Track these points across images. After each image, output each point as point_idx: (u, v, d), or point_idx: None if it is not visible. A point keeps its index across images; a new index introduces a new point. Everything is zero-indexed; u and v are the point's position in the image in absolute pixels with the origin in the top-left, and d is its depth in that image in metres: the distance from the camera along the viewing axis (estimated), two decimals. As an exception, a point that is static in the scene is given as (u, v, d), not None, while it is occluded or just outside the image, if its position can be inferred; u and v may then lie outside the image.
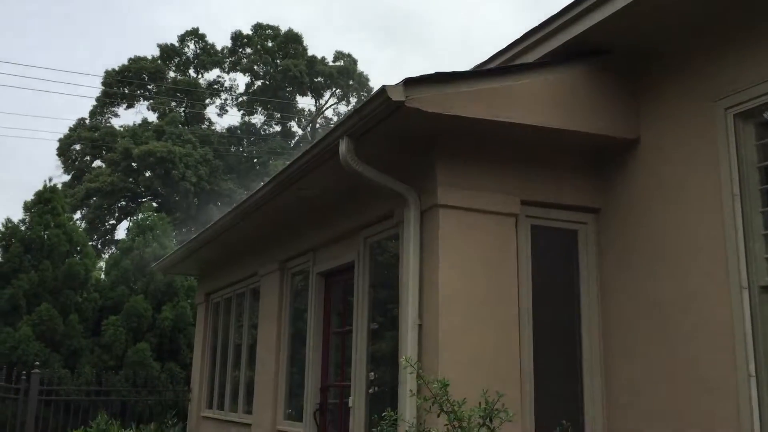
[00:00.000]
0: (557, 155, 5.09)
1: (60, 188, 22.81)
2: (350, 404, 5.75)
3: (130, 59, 39.43)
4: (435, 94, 4.34)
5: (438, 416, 3.57)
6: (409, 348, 4.69)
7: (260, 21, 43.04)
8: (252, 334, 8.68)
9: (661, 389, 4.49)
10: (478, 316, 4.70)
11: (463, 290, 4.69)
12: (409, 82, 4.23)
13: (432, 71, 4.36)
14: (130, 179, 36.37)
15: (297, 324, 7.46)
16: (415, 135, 4.80)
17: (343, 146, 4.72)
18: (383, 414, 3.74)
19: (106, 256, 31.58)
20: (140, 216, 23.48)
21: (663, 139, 4.71)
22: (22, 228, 19.44)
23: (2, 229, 19.32)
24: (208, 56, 41.93)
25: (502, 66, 4.95)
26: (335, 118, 44.59)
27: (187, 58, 42.00)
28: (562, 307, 5.10)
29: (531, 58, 4.92)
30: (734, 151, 4.22)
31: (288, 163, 5.82)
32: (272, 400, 7.44)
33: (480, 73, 4.55)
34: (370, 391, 5.63)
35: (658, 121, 4.76)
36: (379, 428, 3.83)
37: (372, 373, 5.67)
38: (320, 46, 57.23)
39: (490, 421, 3.44)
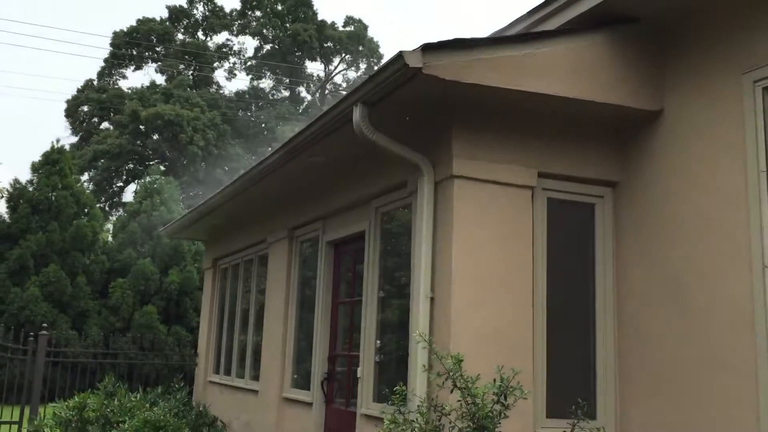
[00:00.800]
0: (577, 126, 4.95)
1: (68, 150, 22.74)
2: (359, 374, 5.71)
3: (138, 20, 38.99)
4: (453, 61, 4.19)
5: (451, 392, 3.51)
6: (420, 321, 4.61)
7: (270, -16, 42.28)
8: (260, 301, 8.65)
9: (676, 368, 4.41)
10: (491, 290, 4.61)
11: (477, 263, 4.59)
12: (427, 48, 4.08)
13: (450, 38, 4.21)
14: (138, 142, 36.25)
15: (305, 292, 7.41)
16: (431, 104, 4.67)
17: (356, 114, 4.59)
18: (395, 388, 3.68)
19: (114, 218, 31.68)
20: (148, 179, 23.45)
21: (687, 111, 4.56)
22: (30, 189, 19.44)
23: (10, 190, 19.33)
24: (217, 19, 41.41)
25: (523, 33, 4.77)
26: (344, 84, 44.18)
27: (196, 20, 41.48)
28: (577, 282, 5.01)
29: (553, 25, 4.75)
30: (762, 126, 4.08)
31: (299, 130, 5.69)
32: (280, 368, 7.42)
33: (500, 40, 4.39)
34: (377, 359, 5.59)
35: (683, 93, 4.60)
36: (390, 402, 3.77)
37: (378, 341, 5.62)
38: (330, 10, 56.37)
39: (504, 398, 3.37)
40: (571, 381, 4.86)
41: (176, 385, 9.48)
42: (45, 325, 11.02)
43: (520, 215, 4.78)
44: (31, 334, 9.81)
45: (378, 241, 5.78)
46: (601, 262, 4.99)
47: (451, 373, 3.45)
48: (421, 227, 4.75)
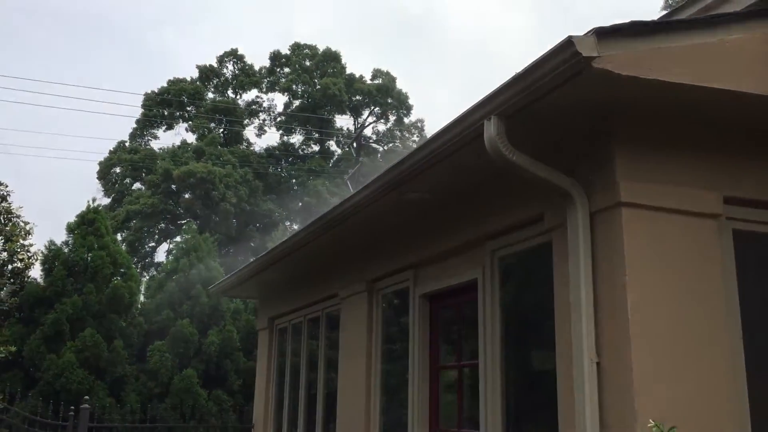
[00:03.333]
0: None
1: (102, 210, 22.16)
2: (481, 460, 4.57)
3: (169, 81, 39.21)
4: (630, 51, 3.21)
5: None
6: (587, 392, 3.52)
7: (298, 41, 42.63)
8: (330, 366, 7.55)
9: None
10: (678, 350, 3.52)
11: (657, 317, 3.52)
12: (602, 34, 3.11)
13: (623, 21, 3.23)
14: (170, 201, 35.90)
15: (392, 356, 6.32)
16: (585, 111, 3.67)
17: (490, 129, 3.61)
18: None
19: (146, 278, 30.96)
20: (185, 237, 22.74)
21: None
22: (65, 250, 18.74)
23: (45, 252, 18.62)
24: (247, 77, 41.56)
25: (706, 17, 3.78)
26: (374, 137, 43.75)
27: (226, 79, 41.67)
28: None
29: (733, 7, 3.77)
30: None
31: (400, 158, 4.71)
32: (363, 447, 6.28)
33: (685, 24, 3.41)
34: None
35: None
36: None
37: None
38: (358, 63, 56.71)
39: None
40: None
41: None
42: (87, 398, 10.03)
43: (704, 252, 3.71)
44: (72, 408, 8.79)
45: (497, 292, 4.72)
46: (807, 310, 3.87)
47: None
48: (578, 271, 3.70)
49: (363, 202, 5.34)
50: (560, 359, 3.93)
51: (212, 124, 39.24)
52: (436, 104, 54.28)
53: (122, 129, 52.66)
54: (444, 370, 5.53)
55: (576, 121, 3.78)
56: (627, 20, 3.24)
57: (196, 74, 40.27)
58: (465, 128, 3.87)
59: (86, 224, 19.16)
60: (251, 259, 8.34)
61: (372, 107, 43.20)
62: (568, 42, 3.06)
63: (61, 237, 29.85)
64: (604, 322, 3.60)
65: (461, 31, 58.45)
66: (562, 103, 3.54)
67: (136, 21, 55.85)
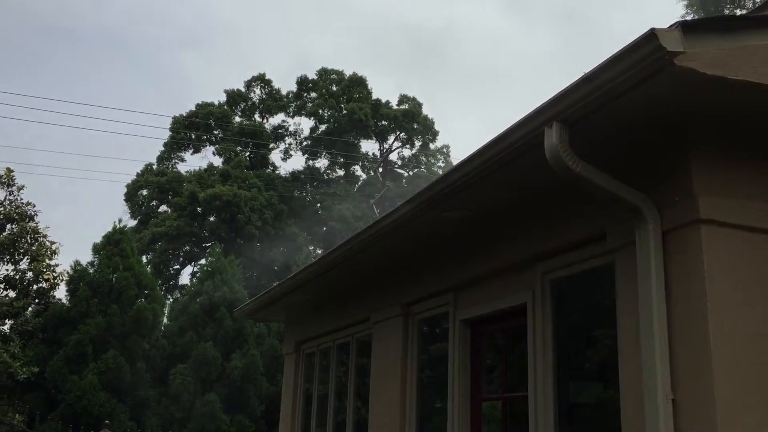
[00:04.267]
0: None
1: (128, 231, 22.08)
2: (532, 504, 4.16)
3: (197, 105, 39.46)
4: (717, 48, 2.86)
5: None
6: (662, 434, 3.12)
7: (315, 62, 42.74)
8: (360, 394, 7.17)
9: None
10: (764, 387, 3.11)
11: (742, 347, 3.12)
12: (688, 28, 2.77)
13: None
14: (195, 224, 35.90)
15: (429, 386, 5.93)
16: (661, 116, 3.31)
17: (553, 136, 3.27)
18: None
19: (170, 300, 30.87)
20: (210, 259, 22.59)
21: None
22: (91, 271, 18.65)
23: (71, 272, 18.54)
24: (274, 101, 41.74)
25: None
26: (400, 162, 43.59)
27: (253, 103, 41.86)
28: None
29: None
30: None
31: (442, 174, 4.38)
32: (397, 483, 5.87)
33: (775, 19, 3.07)
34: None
35: None
36: None
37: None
38: (376, 83, 56.78)
39: None
40: None
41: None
42: (107, 422, 9.74)
43: (790, 276, 3.30)
44: (91, 433, 8.48)
45: (549, 317, 4.33)
46: None
47: None
48: (648, 297, 3.31)
49: (401, 220, 5.00)
50: (625, 395, 3.53)
51: (238, 148, 39.33)
52: (454, 124, 54.30)
53: (150, 151, 53.15)
54: (486, 401, 5.13)
55: (648, 128, 3.42)
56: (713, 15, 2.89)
57: (222, 98, 40.52)
58: (522, 136, 3.53)
59: (112, 245, 19.10)
60: (275, 283, 8.03)
61: (398, 132, 43.08)
62: (651, 35, 2.72)
63: (87, 257, 29.87)
64: (681, 354, 3.21)
65: (479, 54, 58.41)
66: (634, 108, 3.19)
67: (163, 45, 56.75)
